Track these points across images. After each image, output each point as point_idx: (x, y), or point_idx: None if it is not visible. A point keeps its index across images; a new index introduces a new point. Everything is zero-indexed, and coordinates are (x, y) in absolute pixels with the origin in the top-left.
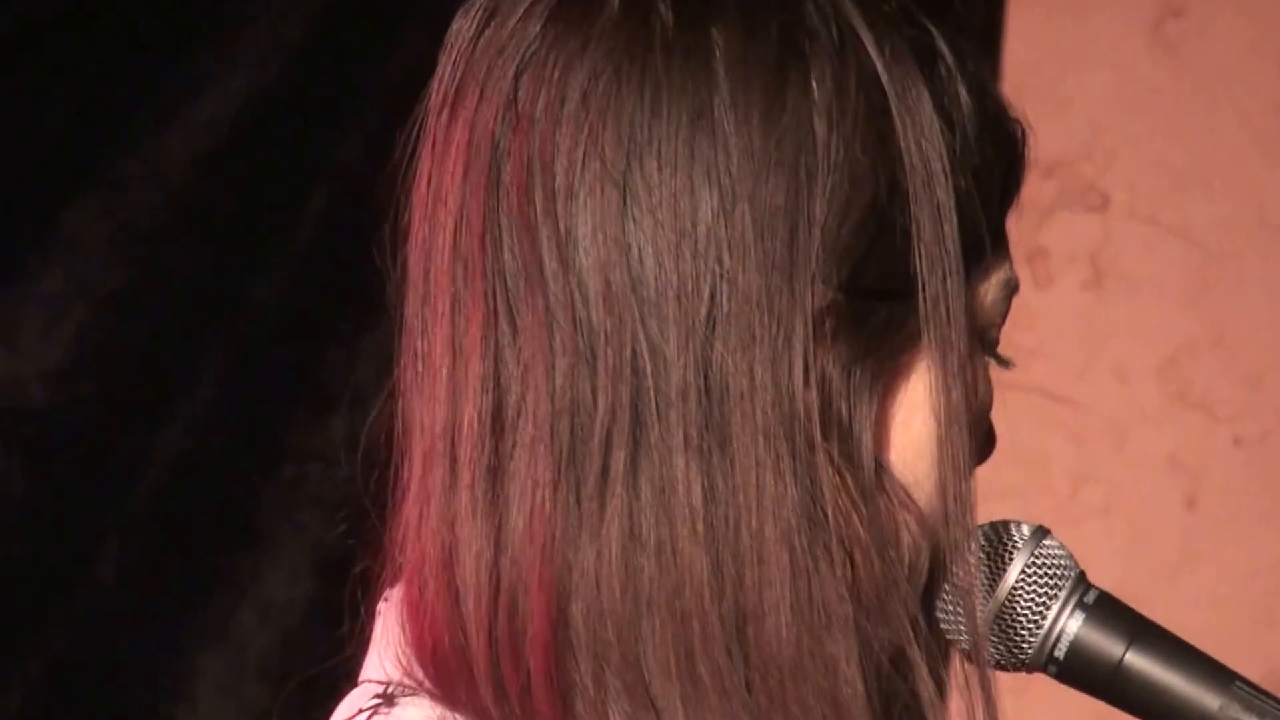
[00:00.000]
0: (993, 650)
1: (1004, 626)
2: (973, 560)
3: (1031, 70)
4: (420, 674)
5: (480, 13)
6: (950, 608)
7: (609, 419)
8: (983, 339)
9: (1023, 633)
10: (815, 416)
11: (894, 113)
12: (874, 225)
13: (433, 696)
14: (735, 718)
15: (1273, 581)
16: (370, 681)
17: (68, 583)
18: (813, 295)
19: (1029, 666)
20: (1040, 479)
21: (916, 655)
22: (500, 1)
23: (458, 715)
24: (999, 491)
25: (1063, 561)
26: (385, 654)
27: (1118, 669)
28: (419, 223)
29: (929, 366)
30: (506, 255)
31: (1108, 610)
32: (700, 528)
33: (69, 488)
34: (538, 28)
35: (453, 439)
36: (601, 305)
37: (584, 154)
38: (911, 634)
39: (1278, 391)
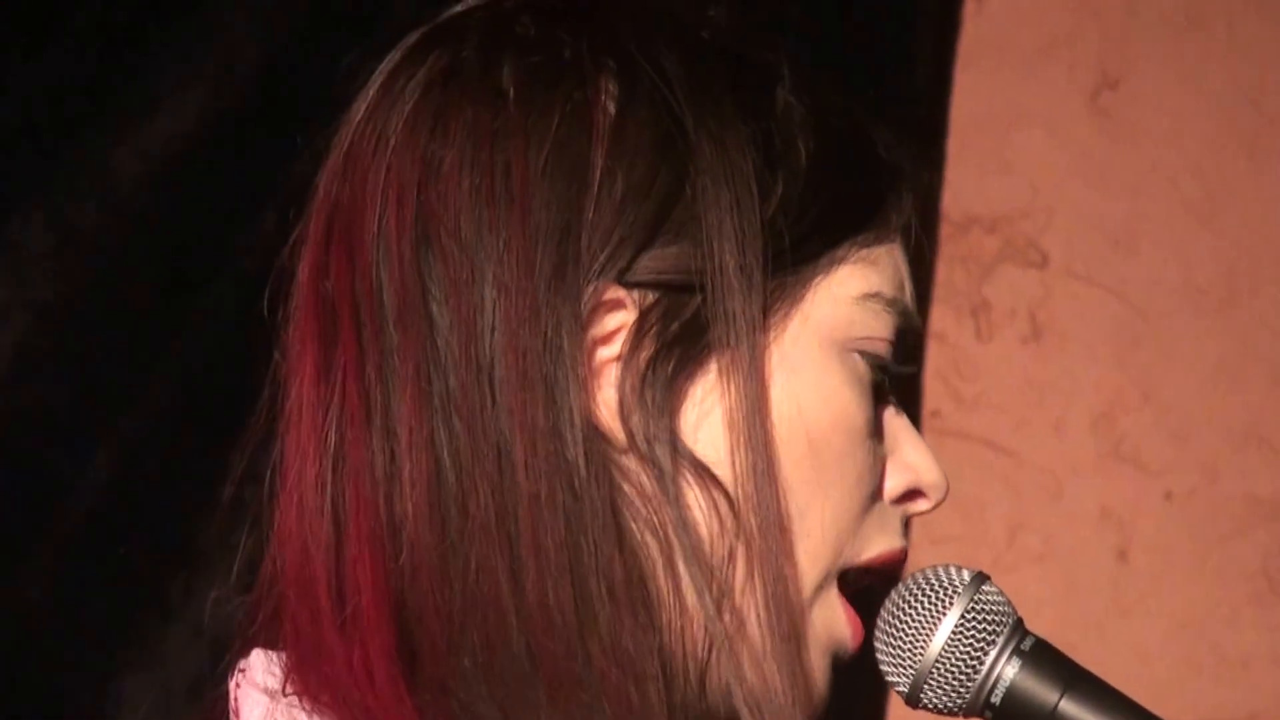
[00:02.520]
0: (931, 694)
1: (942, 671)
2: (770, 574)
3: (976, 129)
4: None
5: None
6: (886, 649)
7: (412, 422)
8: (859, 350)
9: (960, 677)
10: (590, 414)
11: (685, 122)
12: (656, 224)
13: None
14: (530, 700)
15: (1199, 633)
16: None
17: None
18: (583, 292)
19: (966, 711)
20: (978, 526)
21: (717, 630)
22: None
23: None
24: (938, 537)
25: (1001, 608)
26: None
27: (1052, 716)
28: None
29: (725, 359)
30: (327, 292)
31: (1044, 658)
32: (494, 529)
33: (1, 500)
34: (375, 87)
35: (303, 437)
36: (397, 323)
37: (386, 195)
38: (715, 616)
39: (1205, 448)
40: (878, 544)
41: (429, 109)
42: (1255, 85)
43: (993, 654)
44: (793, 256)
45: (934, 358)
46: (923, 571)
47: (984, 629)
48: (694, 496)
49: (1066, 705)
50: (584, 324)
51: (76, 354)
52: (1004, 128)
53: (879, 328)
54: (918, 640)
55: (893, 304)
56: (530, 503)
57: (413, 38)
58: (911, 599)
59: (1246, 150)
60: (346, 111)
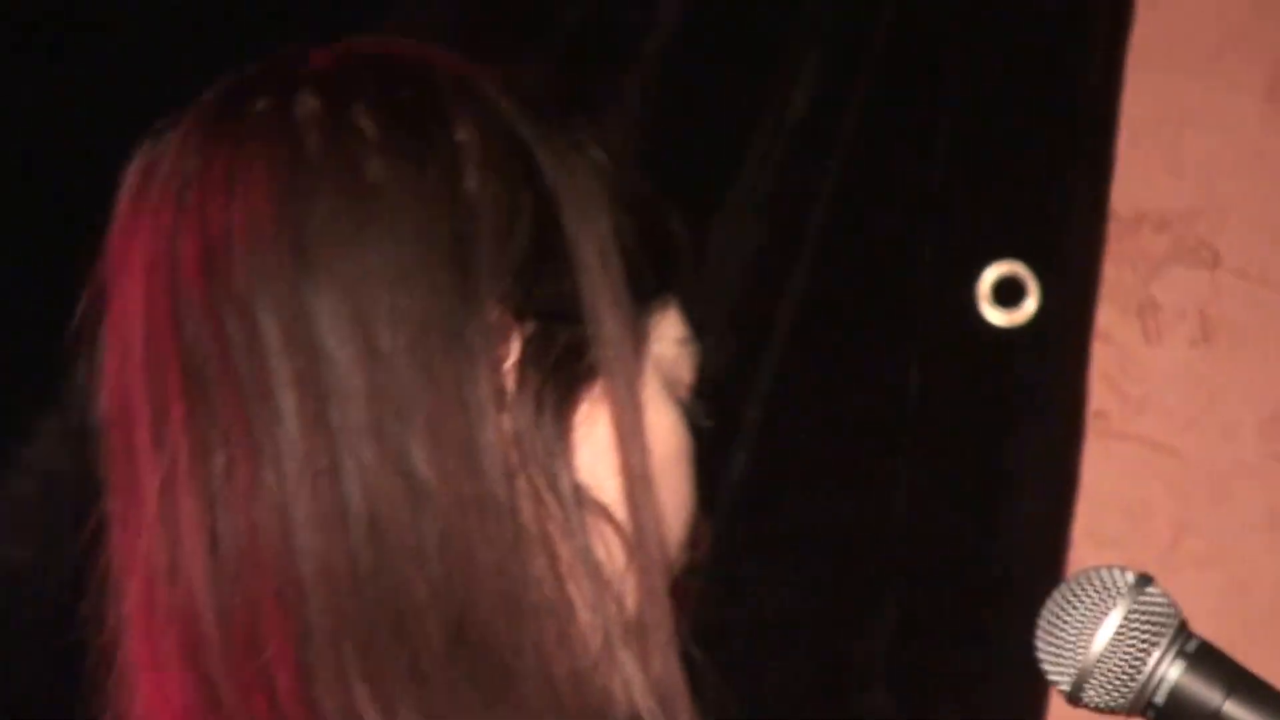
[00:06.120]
0: (1093, 693)
1: (1104, 670)
2: (658, 582)
3: (1148, 129)
4: None
5: (146, 148)
6: (1049, 647)
7: (307, 456)
8: (672, 393)
9: (1123, 677)
10: (498, 441)
11: (536, 156)
12: (533, 252)
13: None
14: (467, 709)
15: None
16: None
17: None
18: (486, 316)
19: (1128, 710)
20: (1143, 528)
21: (619, 654)
22: (161, 136)
23: None
24: (1102, 539)
25: (1165, 609)
26: None
27: (1216, 718)
28: (112, 353)
29: (606, 385)
30: (190, 338)
31: (1208, 660)
32: (413, 553)
33: None
34: (197, 140)
35: (169, 508)
36: (283, 355)
37: (254, 233)
38: (617, 642)
39: None
40: None
41: (284, 150)
42: None
43: (1156, 655)
44: (644, 291)
45: (1099, 358)
46: (1085, 572)
47: (1147, 630)
48: (590, 519)
49: (1231, 707)
50: (490, 353)
51: None
52: (1177, 125)
53: (688, 374)
54: (1080, 640)
55: (683, 341)
56: (450, 527)
57: (218, 88)
58: (1074, 599)
59: None
60: (157, 148)
